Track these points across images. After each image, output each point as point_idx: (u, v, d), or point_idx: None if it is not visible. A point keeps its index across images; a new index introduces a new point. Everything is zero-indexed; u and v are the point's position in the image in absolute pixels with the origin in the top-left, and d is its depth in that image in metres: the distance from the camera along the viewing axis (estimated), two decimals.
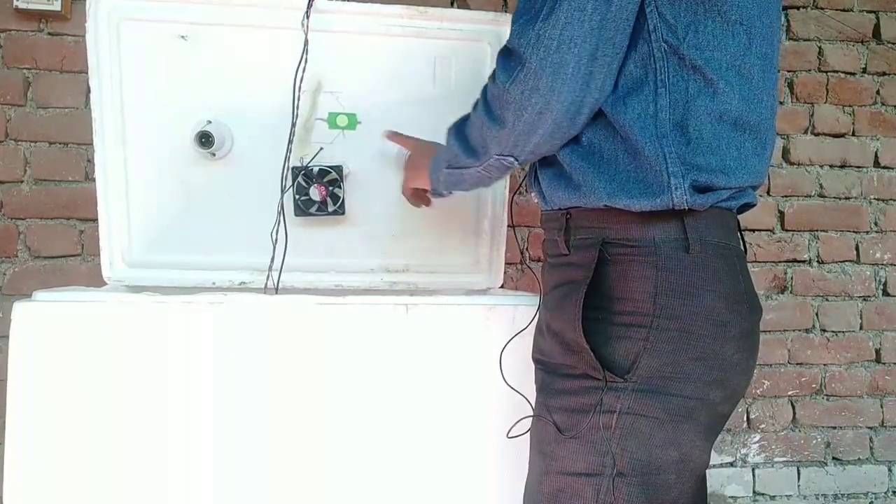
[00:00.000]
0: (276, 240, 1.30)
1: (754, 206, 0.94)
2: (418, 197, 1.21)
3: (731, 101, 0.83)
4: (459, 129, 0.98)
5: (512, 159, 0.91)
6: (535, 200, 0.99)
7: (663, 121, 0.82)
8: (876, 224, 2.19)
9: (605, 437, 0.84)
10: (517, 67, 0.82)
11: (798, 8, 2.14)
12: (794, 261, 2.15)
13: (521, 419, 1.00)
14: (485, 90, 0.90)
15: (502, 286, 1.51)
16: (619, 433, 0.84)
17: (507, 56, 0.85)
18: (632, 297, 0.84)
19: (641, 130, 0.82)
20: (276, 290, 1.32)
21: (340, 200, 1.34)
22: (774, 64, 0.90)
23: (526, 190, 1.07)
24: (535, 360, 0.99)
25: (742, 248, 0.92)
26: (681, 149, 0.82)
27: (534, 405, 0.97)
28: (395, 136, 1.28)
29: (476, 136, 0.93)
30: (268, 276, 1.32)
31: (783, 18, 2.13)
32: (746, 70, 0.84)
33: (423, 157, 1.11)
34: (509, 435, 1.01)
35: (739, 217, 0.93)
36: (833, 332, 2.17)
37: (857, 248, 2.18)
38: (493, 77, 0.88)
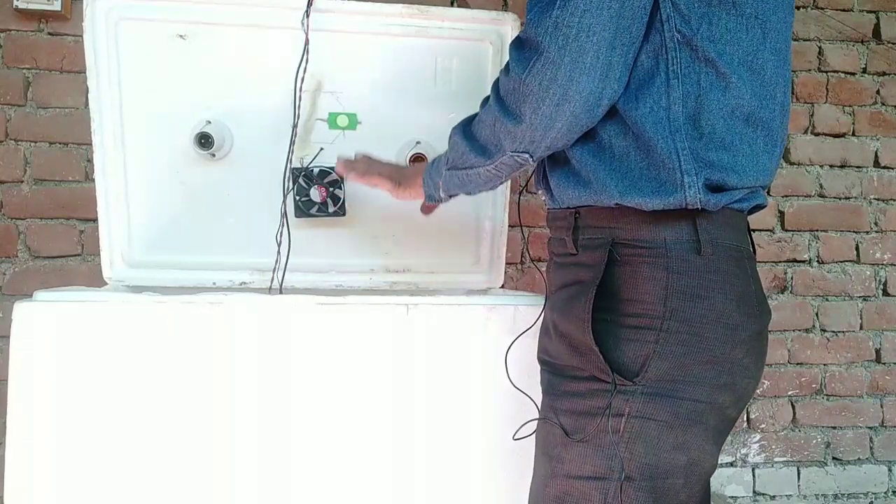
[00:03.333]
0: (280, 242, 1.30)
1: (764, 207, 0.92)
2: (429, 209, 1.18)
3: (744, 95, 0.82)
4: (466, 129, 0.94)
5: (527, 156, 0.87)
6: (543, 198, 0.97)
7: (676, 114, 0.81)
8: (876, 224, 2.19)
9: (613, 441, 0.83)
10: (534, 57, 0.78)
11: (798, 8, 2.13)
12: (794, 261, 2.15)
13: (527, 422, 0.99)
14: (496, 86, 0.87)
15: (503, 286, 1.50)
16: (627, 437, 0.83)
17: (522, 47, 0.81)
18: (642, 299, 0.83)
19: (654, 125, 0.81)
20: (281, 291, 1.32)
21: (341, 201, 1.34)
22: (788, 60, 0.88)
23: (527, 190, 1.07)
24: (541, 361, 0.98)
25: (752, 250, 0.90)
26: (694, 144, 0.81)
27: (539, 407, 0.96)
28: (365, 179, 1.16)
29: (488, 134, 0.89)
30: (272, 279, 1.32)
31: None
32: (759, 66, 0.83)
33: (411, 175, 1.08)
34: (516, 437, 1.00)
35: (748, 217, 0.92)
36: (833, 332, 2.17)
37: (857, 248, 2.18)
38: (506, 70, 0.84)
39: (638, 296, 0.83)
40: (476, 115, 0.94)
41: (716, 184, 0.82)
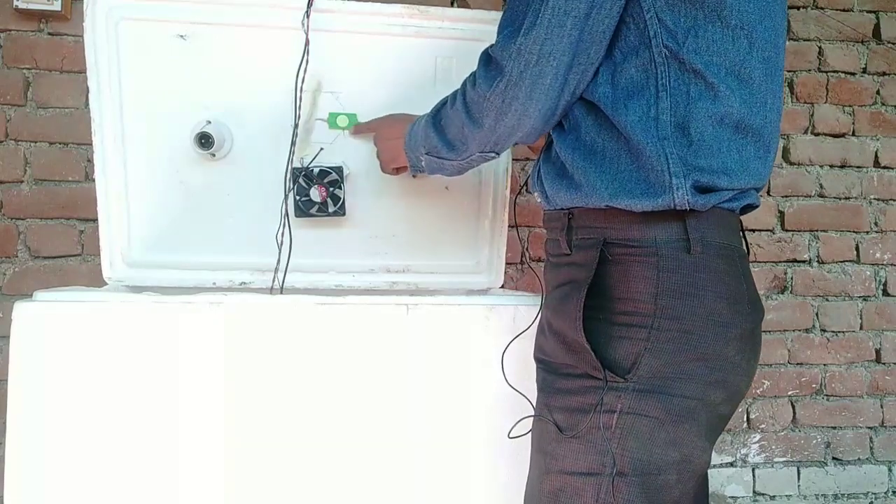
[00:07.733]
0: (281, 242, 1.30)
1: (757, 207, 0.94)
2: (399, 171, 1.24)
3: (732, 104, 0.83)
4: (437, 121, 1.00)
5: (493, 154, 0.97)
6: (538, 200, 0.99)
7: (664, 123, 0.82)
8: (876, 224, 2.19)
9: (605, 437, 0.84)
10: (498, 77, 0.86)
11: (798, 8, 2.13)
12: (794, 261, 2.15)
13: (522, 419, 1.00)
14: (464, 90, 0.93)
15: (503, 286, 1.50)
16: (619, 433, 0.84)
17: (489, 64, 0.89)
18: (633, 298, 0.84)
19: (643, 132, 0.83)
20: (281, 291, 1.32)
21: (341, 201, 1.34)
22: (779, 67, 0.90)
23: (527, 190, 1.07)
24: (537, 360, 0.99)
25: (745, 248, 0.92)
26: (682, 150, 0.82)
27: (535, 404, 0.97)
28: (359, 127, 1.32)
29: (456, 133, 0.96)
30: (273, 279, 1.32)
31: None
32: (747, 74, 0.84)
33: (395, 138, 1.13)
34: (510, 435, 1.01)
35: (741, 217, 0.93)
36: (833, 332, 2.17)
37: (857, 248, 2.18)
38: (473, 81, 0.91)
39: (629, 294, 0.84)
40: (445, 104, 0.99)
41: (704, 186, 0.83)
